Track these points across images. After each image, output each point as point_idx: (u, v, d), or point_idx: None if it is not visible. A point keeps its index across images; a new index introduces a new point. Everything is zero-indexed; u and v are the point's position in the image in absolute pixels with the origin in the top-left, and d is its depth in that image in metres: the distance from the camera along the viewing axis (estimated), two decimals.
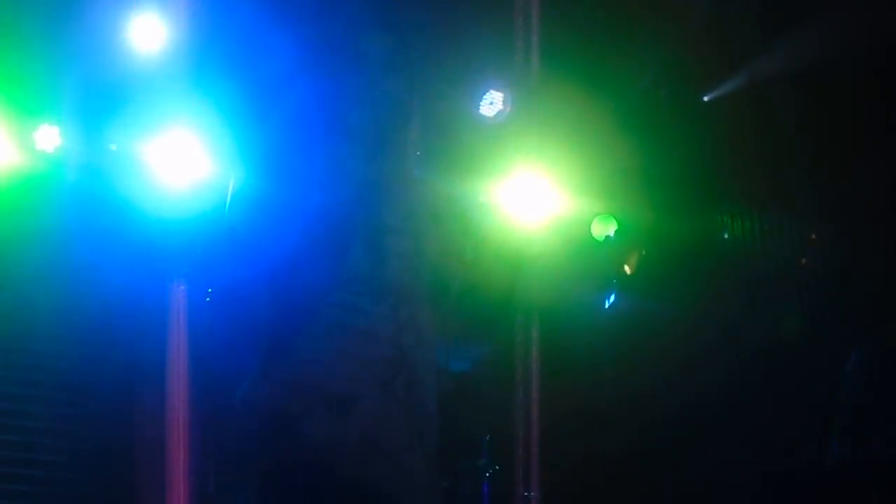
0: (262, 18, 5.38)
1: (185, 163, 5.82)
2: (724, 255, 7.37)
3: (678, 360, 6.86)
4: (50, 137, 5.81)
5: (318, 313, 2.53)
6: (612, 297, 7.02)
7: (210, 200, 5.66)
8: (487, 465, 5.92)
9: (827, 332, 7.13)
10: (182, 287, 5.76)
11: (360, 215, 2.56)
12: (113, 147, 5.91)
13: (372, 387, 2.52)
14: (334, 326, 2.53)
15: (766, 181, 7.21)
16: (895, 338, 4.42)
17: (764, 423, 7.16)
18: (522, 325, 6.15)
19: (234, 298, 2.70)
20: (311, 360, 2.52)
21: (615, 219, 6.91)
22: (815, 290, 7.28)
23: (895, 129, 6.75)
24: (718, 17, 6.37)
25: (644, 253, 7.06)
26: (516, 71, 5.72)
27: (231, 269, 2.67)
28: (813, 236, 7.34)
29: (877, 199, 7.19)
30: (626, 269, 7.03)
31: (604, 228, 6.89)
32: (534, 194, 6.36)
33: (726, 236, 7.44)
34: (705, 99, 7.09)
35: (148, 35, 5.78)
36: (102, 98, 5.92)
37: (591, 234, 6.90)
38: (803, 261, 7.38)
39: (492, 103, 6.40)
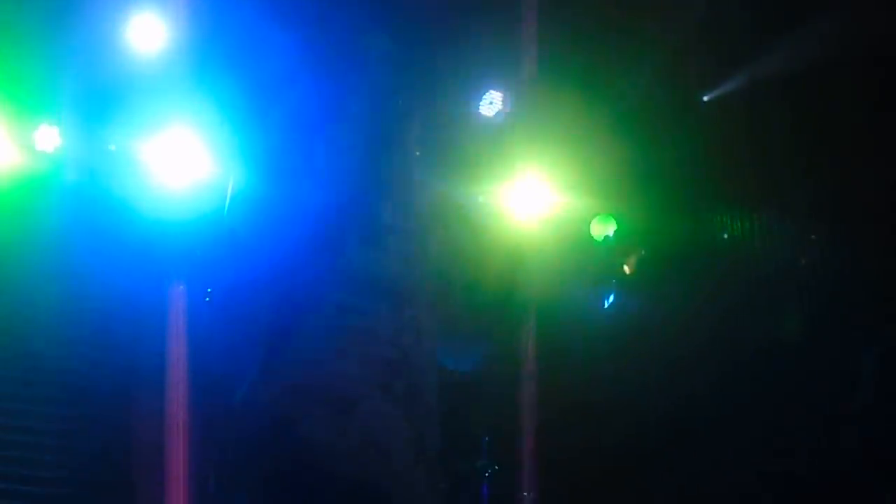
0: (263, 18, 5.38)
1: (184, 163, 5.81)
2: (723, 255, 7.36)
3: (677, 359, 6.86)
4: (50, 138, 5.80)
5: (319, 314, 2.53)
6: (611, 297, 7.02)
7: (210, 201, 5.65)
8: (487, 466, 5.92)
9: (826, 331, 7.14)
10: (182, 288, 5.76)
11: (359, 215, 2.56)
12: (112, 147, 5.91)
13: (372, 388, 2.53)
14: (335, 327, 2.54)
15: (766, 181, 7.21)
16: None
17: (762, 422, 7.17)
18: (522, 325, 6.16)
19: (235, 299, 2.70)
20: (311, 361, 2.53)
21: (614, 219, 6.91)
22: (814, 289, 7.28)
23: (893, 129, 6.76)
24: (716, 18, 6.37)
25: (643, 253, 7.06)
26: (516, 71, 5.73)
27: (231, 269, 2.68)
28: (812, 236, 7.34)
29: (876, 198, 7.19)
30: (625, 268, 7.03)
31: (603, 228, 6.89)
32: (533, 194, 6.37)
33: (725, 236, 7.44)
34: (704, 99, 7.09)
35: (147, 35, 5.78)
36: (102, 98, 5.91)
37: (590, 234, 6.90)
38: (803, 260, 7.38)
39: (491, 103, 6.40)
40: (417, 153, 2.74)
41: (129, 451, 5.80)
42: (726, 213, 7.42)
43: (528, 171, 6.31)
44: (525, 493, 6.21)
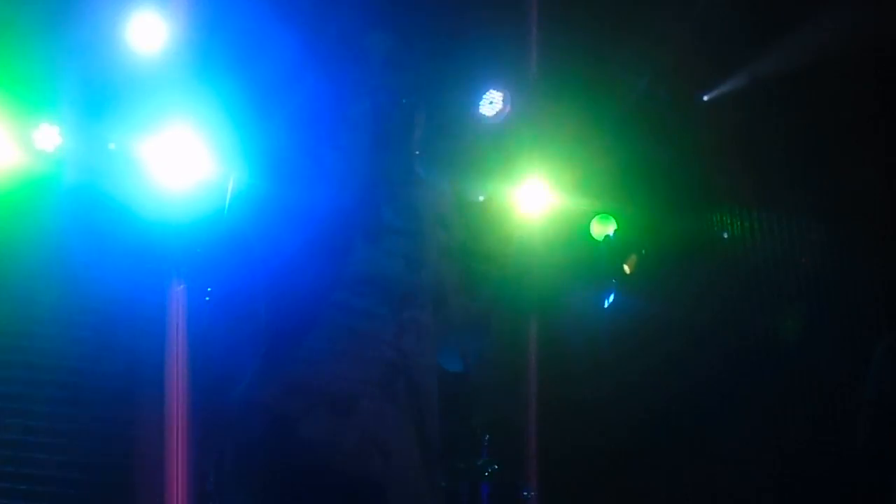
0: (263, 17, 5.38)
1: (184, 162, 5.81)
2: (723, 255, 7.37)
3: (677, 358, 6.86)
4: (50, 137, 5.80)
5: (320, 314, 2.53)
6: (612, 297, 7.02)
7: (210, 200, 5.65)
8: (487, 465, 5.92)
9: (826, 330, 7.13)
10: (181, 287, 5.76)
11: (363, 216, 2.56)
12: (112, 146, 5.91)
13: (372, 387, 2.52)
14: (335, 327, 2.53)
15: (765, 180, 7.21)
16: None
17: (762, 420, 7.17)
18: (522, 324, 6.16)
19: (235, 298, 2.70)
20: (311, 360, 2.52)
21: (614, 218, 6.91)
22: (814, 288, 7.28)
23: (892, 129, 6.76)
24: (717, 17, 6.37)
25: (643, 252, 7.06)
26: (517, 71, 5.73)
27: (232, 269, 2.67)
28: (812, 235, 7.34)
29: (875, 197, 7.19)
30: (626, 268, 7.03)
31: (603, 228, 6.89)
32: (534, 194, 6.37)
33: (725, 235, 7.44)
34: (704, 98, 7.09)
35: (148, 34, 5.77)
36: (102, 97, 5.91)
37: (590, 233, 6.90)
38: (803, 259, 7.38)
39: (491, 103, 6.40)
40: (418, 153, 2.74)
41: (129, 451, 5.80)
42: (726, 213, 7.42)
43: (528, 171, 6.32)
44: (525, 492, 6.21)
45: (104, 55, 5.81)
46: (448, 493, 5.76)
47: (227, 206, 2.67)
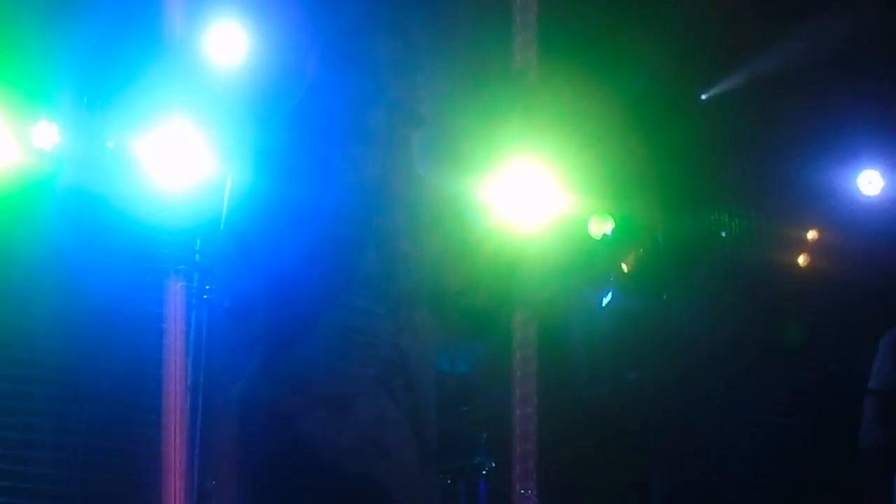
0: (264, 15, 5.40)
1: (184, 161, 5.82)
2: (721, 254, 7.38)
3: (675, 357, 6.87)
4: (48, 134, 5.79)
5: (319, 313, 2.53)
6: (610, 296, 7.03)
7: (210, 200, 5.66)
8: (484, 463, 5.93)
9: (826, 329, 7.15)
10: (181, 287, 5.76)
11: (364, 218, 2.56)
12: (110, 144, 5.91)
13: (371, 385, 2.53)
14: (334, 326, 2.54)
15: (764, 180, 7.22)
16: None
17: (762, 420, 7.18)
18: (520, 323, 6.16)
19: (234, 298, 2.70)
20: (310, 358, 2.53)
21: (612, 217, 6.92)
22: (813, 288, 7.29)
23: (891, 129, 6.77)
24: (716, 17, 6.38)
25: (641, 251, 7.07)
26: (516, 71, 5.72)
27: (232, 268, 2.68)
28: (811, 235, 7.36)
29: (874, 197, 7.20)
30: (624, 267, 7.04)
31: (601, 227, 6.90)
32: (532, 194, 6.37)
33: (724, 234, 7.45)
34: (703, 98, 7.10)
35: (148, 32, 5.77)
36: (101, 95, 5.91)
37: (588, 232, 6.91)
38: (803, 259, 7.40)
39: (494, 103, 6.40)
40: (419, 154, 2.74)
41: (128, 451, 5.81)
42: (725, 212, 7.44)
43: (526, 171, 6.32)
44: (523, 490, 6.21)
45: (104, 53, 5.82)
46: (446, 491, 5.76)
47: (226, 206, 2.67)
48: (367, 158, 2.62)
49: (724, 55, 6.75)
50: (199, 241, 5.99)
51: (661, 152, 6.88)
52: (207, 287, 5.71)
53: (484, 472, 5.92)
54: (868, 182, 7.14)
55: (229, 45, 5.86)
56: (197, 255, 5.96)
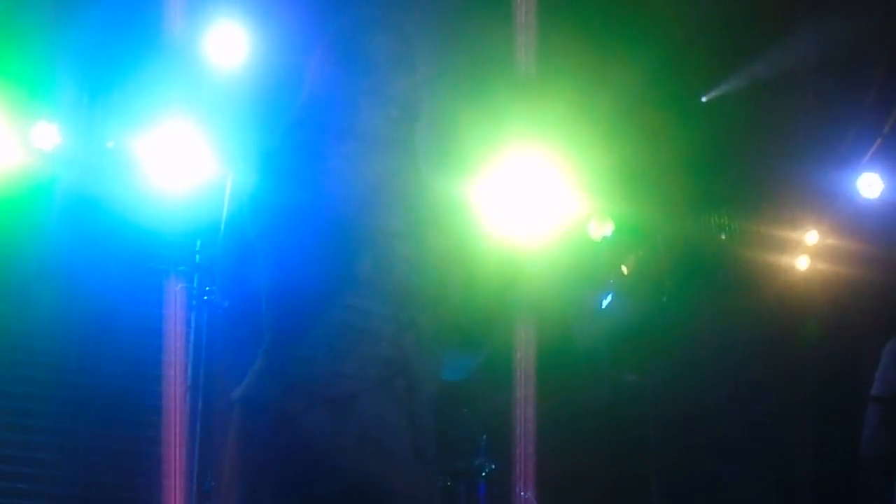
0: (263, 14, 5.39)
1: (184, 162, 5.81)
2: (721, 256, 7.38)
3: (675, 359, 6.87)
4: (48, 134, 5.79)
5: (320, 313, 2.53)
6: (609, 298, 7.03)
7: (211, 201, 5.65)
8: (484, 465, 5.93)
9: (825, 332, 7.15)
10: (181, 287, 5.76)
11: (366, 219, 2.56)
12: (110, 145, 5.91)
13: (371, 385, 2.53)
14: (335, 326, 2.53)
15: (764, 183, 7.22)
16: None
17: (762, 420, 7.18)
18: (520, 325, 6.16)
19: (235, 298, 2.71)
20: (311, 358, 2.52)
21: (612, 219, 6.92)
22: (813, 288, 7.29)
23: (892, 129, 6.77)
24: (716, 18, 6.38)
25: (641, 253, 7.07)
26: (516, 71, 5.73)
27: (233, 269, 2.68)
28: (811, 238, 7.36)
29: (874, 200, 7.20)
30: (624, 269, 7.04)
31: (601, 229, 6.90)
32: (532, 196, 6.37)
33: (723, 237, 7.45)
34: (703, 99, 7.10)
35: (148, 33, 5.77)
36: (101, 95, 5.91)
37: (588, 234, 6.91)
38: (802, 259, 7.40)
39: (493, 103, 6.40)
40: (419, 154, 2.74)
41: (128, 451, 5.81)
42: (725, 215, 7.44)
43: (526, 172, 6.32)
44: (522, 492, 6.21)
45: (103, 53, 5.82)
46: (445, 493, 5.76)
47: (226, 207, 2.67)
48: (367, 158, 2.62)
49: (725, 58, 6.76)
50: (199, 242, 5.99)
51: (661, 154, 6.88)
52: (207, 288, 5.71)
53: (484, 474, 5.92)
54: (868, 185, 7.15)
55: (229, 46, 5.85)
56: (197, 256, 5.96)
